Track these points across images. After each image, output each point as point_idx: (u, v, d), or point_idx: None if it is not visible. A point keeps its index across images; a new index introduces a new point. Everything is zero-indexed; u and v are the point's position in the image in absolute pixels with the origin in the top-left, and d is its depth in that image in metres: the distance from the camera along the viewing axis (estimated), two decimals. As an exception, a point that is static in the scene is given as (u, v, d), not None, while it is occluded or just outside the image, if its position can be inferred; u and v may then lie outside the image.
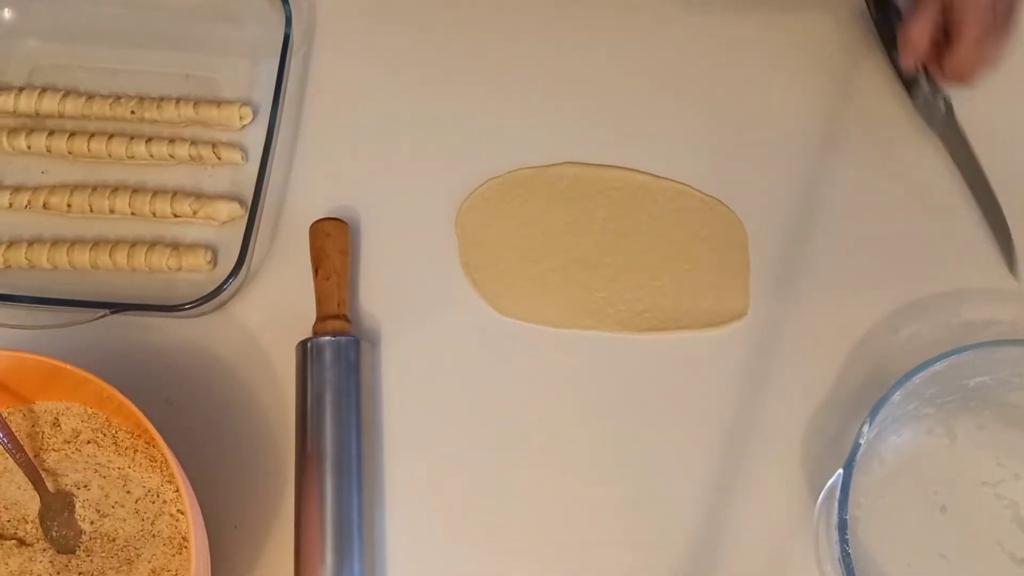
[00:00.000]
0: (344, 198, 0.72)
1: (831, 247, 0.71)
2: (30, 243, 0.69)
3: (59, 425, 0.62)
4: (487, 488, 0.65)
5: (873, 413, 0.59)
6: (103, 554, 0.59)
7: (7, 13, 0.76)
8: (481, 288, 0.70)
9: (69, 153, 0.72)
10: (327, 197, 0.72)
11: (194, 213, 0.70)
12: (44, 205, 0.70)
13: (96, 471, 0.61)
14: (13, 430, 0.60)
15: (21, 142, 0.71)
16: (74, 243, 0.69)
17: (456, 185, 0.72)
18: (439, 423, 0.66)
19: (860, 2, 0.78)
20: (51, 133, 0.72)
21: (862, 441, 0.59)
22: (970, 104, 0.71)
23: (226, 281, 0.65)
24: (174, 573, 0.58)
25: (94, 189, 0.70)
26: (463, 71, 0.76)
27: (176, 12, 0.75)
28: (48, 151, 0.72)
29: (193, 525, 0.54)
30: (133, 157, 0.72)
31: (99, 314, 0.64)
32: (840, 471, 0.58)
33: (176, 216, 0.70)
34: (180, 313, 0.65)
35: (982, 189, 0.69)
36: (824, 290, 0.70)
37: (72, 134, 0.72)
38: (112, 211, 0.70)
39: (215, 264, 0.70)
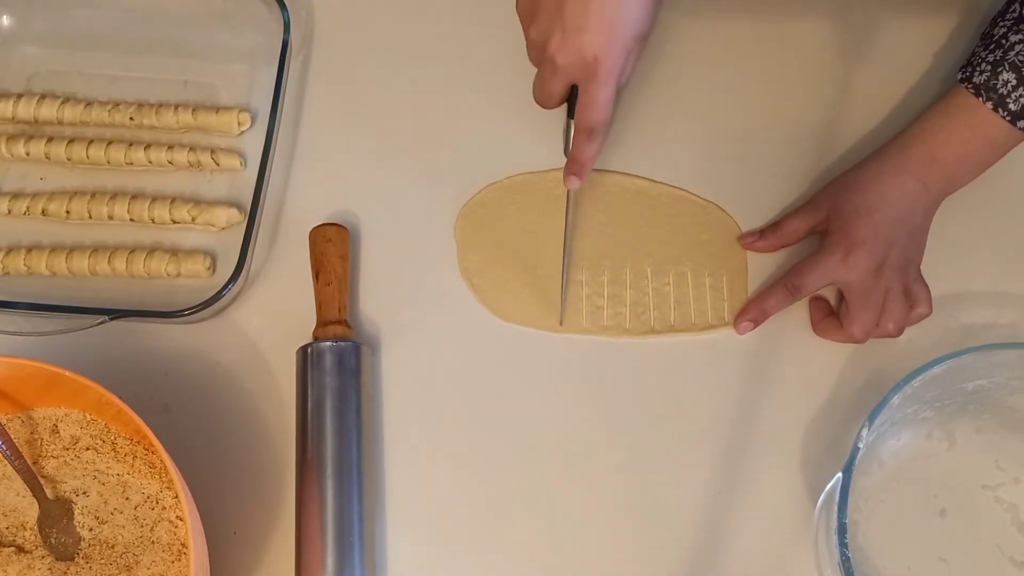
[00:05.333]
0: (342, 204, 0.72)
1: (829, 251, 0.71)
2: (29, 250, 0.69)
3: (58, 432, 0.62)
4: (487, 493, 0.65)
5: (872, 416, 0.59)
6: (102, 561, 0.59)
7: (6, 20, 0.76)
8: (480, 293, 0.70)
9: (68, 159, 0.72)
10: (326, 203, 0.72)
11: (193, 219, 0.70)
12: (43, 211, 0.70)
13: (95, 477, 0.60)
14: (12, 436, 0.59)
15: (20, 148, 0.71)
16: (73, 249, 0.69)
17: (455, 190, 0.72)
18: (439, 428, 0.66)
19: (858, 6, 0.78)
20: (50, 139, 0.72)
21: (861, 445, 0.59)
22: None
23: (225, 287, 0.65)
24: (173, 579, 0.58)
25: (93, 195, 0.70)
26: (462, 76, 0.76)
27: (175, 18, 0.75)
28: (47, 157, 0.72)
29: (192, 531, 0.54)
30: (132, 163, 0.72)
31: (98, 320, 0.64)
32: (839, 475, 0.58)
33: (175, 222, 0.70)
34: (179, 319, 0.65)
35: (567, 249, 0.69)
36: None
37: (71, 140, 0.72)
38: (111, 217, 0.70)
39: (214, 270, 0.70)
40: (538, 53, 0.61)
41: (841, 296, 0.68)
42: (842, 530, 0.57)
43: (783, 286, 0.68)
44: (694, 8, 0.79)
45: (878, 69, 0.77)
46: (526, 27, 0.61)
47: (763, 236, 0.70)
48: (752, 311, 0.68)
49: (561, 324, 0.69)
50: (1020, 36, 0.64)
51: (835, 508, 0.58)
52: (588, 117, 0.61)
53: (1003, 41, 0.65)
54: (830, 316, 0.68)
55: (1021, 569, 0.63)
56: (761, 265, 0.71)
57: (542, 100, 0.63)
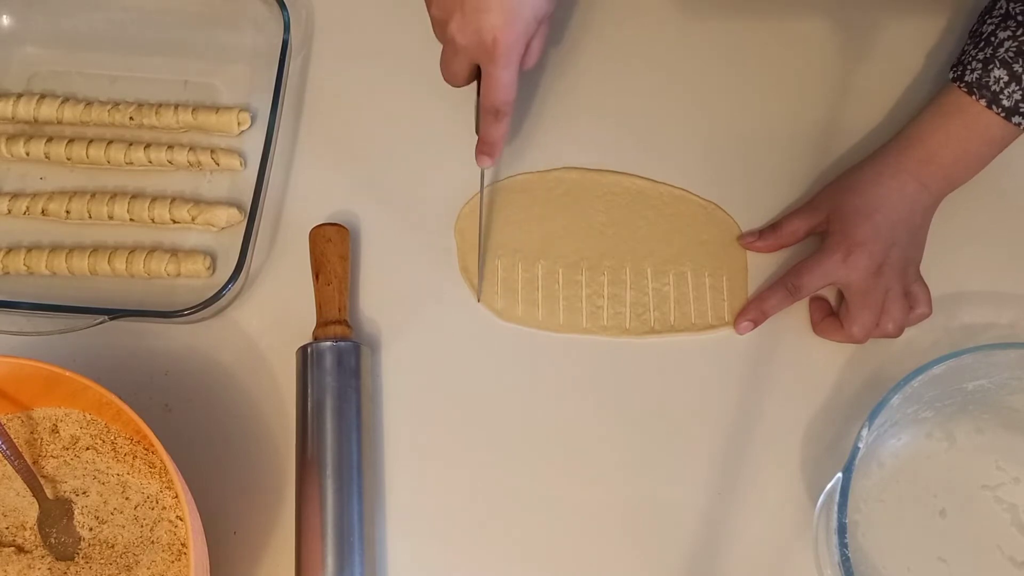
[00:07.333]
0: (342, 204, 0.72)
1: (829, 251, 0.71)
2: (29, 249, 0.69)
3: (58, 431, 0.62)
4: (487, 493, 0.65)
5: (872, 416, 0.59)
6: (102, 561, 0.59)
7: (5, 20, 0.76)
8: (480, 293, 0.70)
9: (68, 159, 0.72)
10: (326, 203, 0.72)
11: (193, 219, 0.70)
12: (43, 211, 0.70)
13: (95, 477, 0.60)
14: (12, 436, 0.59)
15: (20, 148, 0.71)
16: (73, 249, 0.69)
17: (455, 191, 0.72)
18: (439, 428, 0.66)
19: (858, 7, 0.78)
20: (50, 139, 0.72)
21: (861, 445, 0.59)
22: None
23: (225, 287, 0.65)
24: (173, 579, 0.58)
25: (93, 195, 0.70)
26: (461, 76, 0.76)
27: (175, 18, 0.75)
28: (47, 157, 0.72)
29: (192, 531, 0.53)
30: (132, 163, 0.72)
31: (97, 320, 0.64)
32: (839, 475, 0.58)
33: (175, 222, 0.70)
34: (179, 319, 0.65)
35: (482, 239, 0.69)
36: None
37: (71, 140, 0.72)
38: (111, 217, 0.70)
39: (214, 270, 0.70)
40: (440, 31, 0.61)
41: (841, 296, 0.68)
42: (842, 530, 0.57)
43: (783, 286, 0.68)
44: (694, 8, 0.79)
45: (878, 68, 0.77)
46: (428, 3, 0.61)
47: (763, 236, 0.70)
48: (752, 311, 0.68)
49: (479, 301, 0.69)
50: (1008, 33, 0.64)
51: (835, 508, 0.58)
52: (491, 98, 0.61)
53: (992, 38, 0.65)
54: (830, 316, 0.68)
55: (1021, 569, 0.63)
56: (761, 265, 0.71)
57: (448, 79, 0.64)
